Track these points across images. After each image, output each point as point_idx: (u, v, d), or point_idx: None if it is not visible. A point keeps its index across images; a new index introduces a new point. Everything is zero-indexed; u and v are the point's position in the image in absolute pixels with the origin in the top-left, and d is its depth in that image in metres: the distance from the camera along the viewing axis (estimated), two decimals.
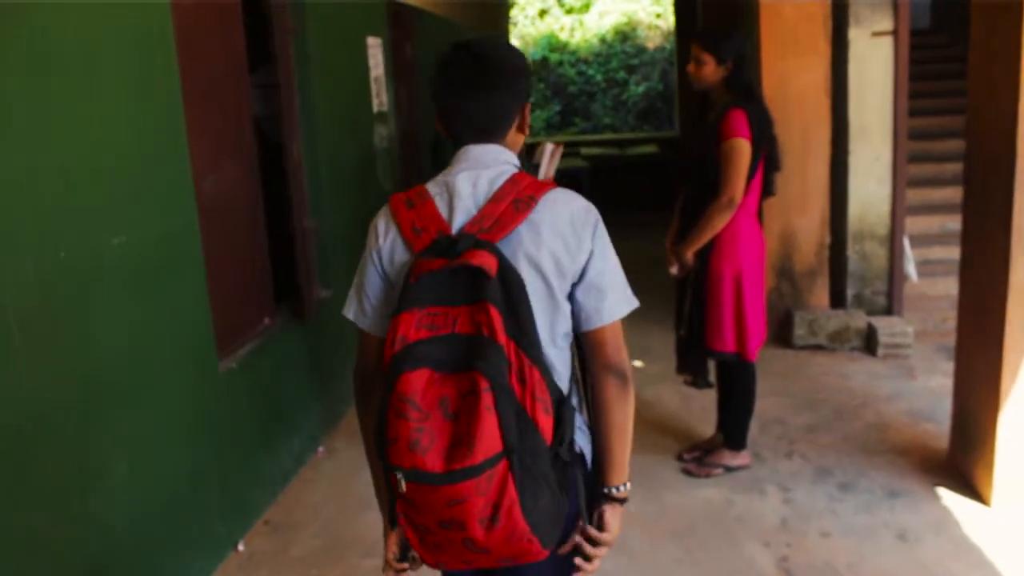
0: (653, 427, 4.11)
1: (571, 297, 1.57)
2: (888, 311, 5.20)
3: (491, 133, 1.61)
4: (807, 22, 4.92)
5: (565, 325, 1.57)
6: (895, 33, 4.82)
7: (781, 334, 5.21)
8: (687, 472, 3.61)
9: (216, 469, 3.17)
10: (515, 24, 17.04)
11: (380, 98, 5.42)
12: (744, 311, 3.36)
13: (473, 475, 1.32)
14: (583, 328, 1.58)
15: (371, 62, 5.25)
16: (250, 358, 3.49)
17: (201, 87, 3.20)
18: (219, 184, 3.35)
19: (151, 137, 2.80)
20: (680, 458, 3.73)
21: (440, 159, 3.28)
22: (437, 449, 1.35)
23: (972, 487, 3.32)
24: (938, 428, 3.88)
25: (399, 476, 1.36)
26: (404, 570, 1.65)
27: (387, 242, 1.59)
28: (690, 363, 3.56)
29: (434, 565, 1.52)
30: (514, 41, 16.73)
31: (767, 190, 3.46)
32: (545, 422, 1.42)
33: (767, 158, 3.38)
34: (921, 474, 3.49)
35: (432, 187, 1.61)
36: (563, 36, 16.84)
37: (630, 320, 1.63)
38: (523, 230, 1.51)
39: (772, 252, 5.14)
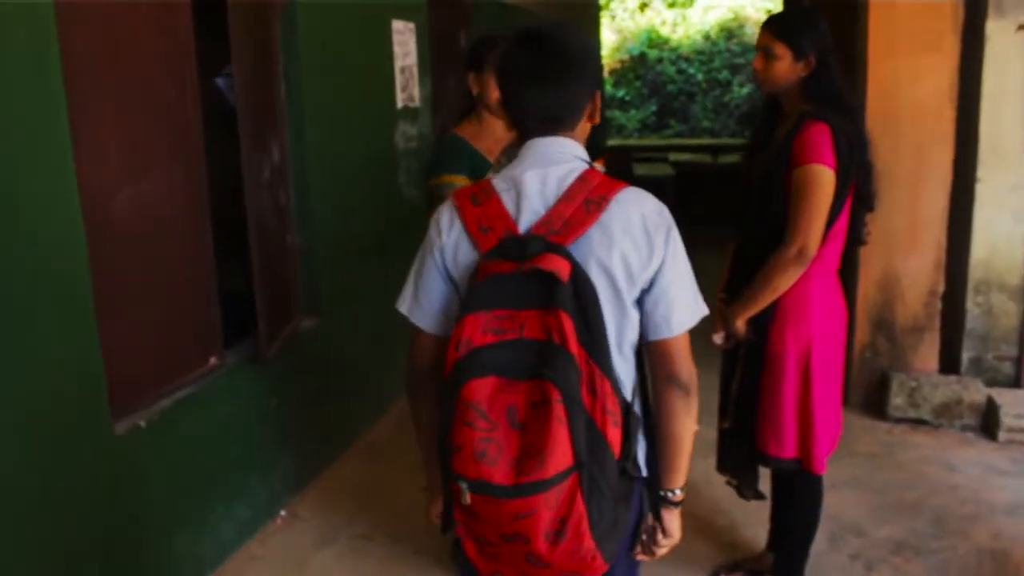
0: (690, 525, 3.19)
1: (639, 305, 1.51)
2: (1016, 383, 4.12)
3: (560, 124, 1.55)
4: (929, 12, 3.88)
5: (632, 334, 1.53)
6: None
7: (872, 401, 4.21)
8: None
9: (99, 555, 2.47)
10: (613, 17, 16.11)
11: (408, 91, 4.66)
12: (811, 405, 2.44)
13: (542, 489, 1.29)
14: (650, 337, 1.53)
15: (397, 50, 4.50)
16: (174, 411, 2.77)
17: (109, 82, 2.49)
18: (139, 196, 2.64)
19: None
20: None
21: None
22: (505, 460, 1.31)
23: None
24: None
25: (463, 486, 1.33)
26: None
27: (451, 239, 1.54)
28: (734, 464, 2.66)
29: (491, 575, 1.46)
30: (611, 35, 15.82)
31: (854, 237, 2.53)
32: (614, 435, 1.38)
33: (857, 193, 2.46)
34: None
35: (498, 183, 1.55)
36: (664, 31, 15.81)
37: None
38: (594, 233, 1.46)
39: (868, 299, 4.15)
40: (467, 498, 1.33)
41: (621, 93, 15.56)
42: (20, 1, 2.11)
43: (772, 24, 2.48)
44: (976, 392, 4.00)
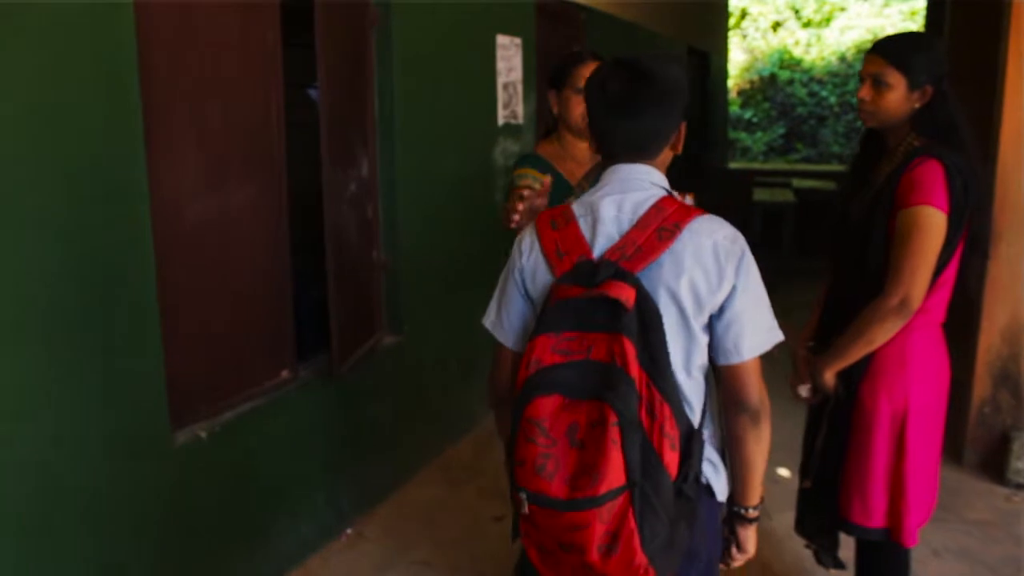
0: None
1: (709, 329, 1.55)
2: None
3: (645, 152, 1.60)
4: None
5: (702, 357, 1.56)
6: None
7: (990, 463, 3.83)
8: None
9: (153, 565, 2.46)
10: (744, 36, 15.70)
11: (511, 108, 4.58)
12: (904, 471, 2.19)
13: (594, 505, 1.34)
14: (720, 362, 1.56)
15: (500, 65, 4.43)
16: (238, 423, 2.75)
17: (188, 89, 2.50)
18: (215, 207, 2.64)
19: (55, 155, 2.10)
20: None
21: None
22: (562, 476, 1.37)
23: None
24: None
25: (523, 497, 1.40)
26: None
27: (530, 261, 1.61)
28: (814, 528, 2.42)
29: None
30: (740, 55, 15.41)
31: (964, 288, 2.26)
32: (671, 458, 1.41)
33: (969, 240, 2.20)
34: None
35: (577, 208, 1.61)
36: (797, 52, 15.31)
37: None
38: (665, 260, 1.50)
39: (991, 350, 3.78)
40: (526, 508, 1.41)
41: (748, 114, 15.15)
42: (98, 1, 2.13)
43: (884, 48, 2.22)
44: None
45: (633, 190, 1.57)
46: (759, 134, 15.03)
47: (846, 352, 2.19)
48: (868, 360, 2.19)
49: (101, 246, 2.21)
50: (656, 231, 1.51)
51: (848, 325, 2.20)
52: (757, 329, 1.54)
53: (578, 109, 2.43)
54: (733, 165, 13.06)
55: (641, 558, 1.37)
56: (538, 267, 1.59)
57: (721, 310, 1.52)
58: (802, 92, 14.86)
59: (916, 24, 13.88)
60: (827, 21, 15.20)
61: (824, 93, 14.67)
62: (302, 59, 3.47)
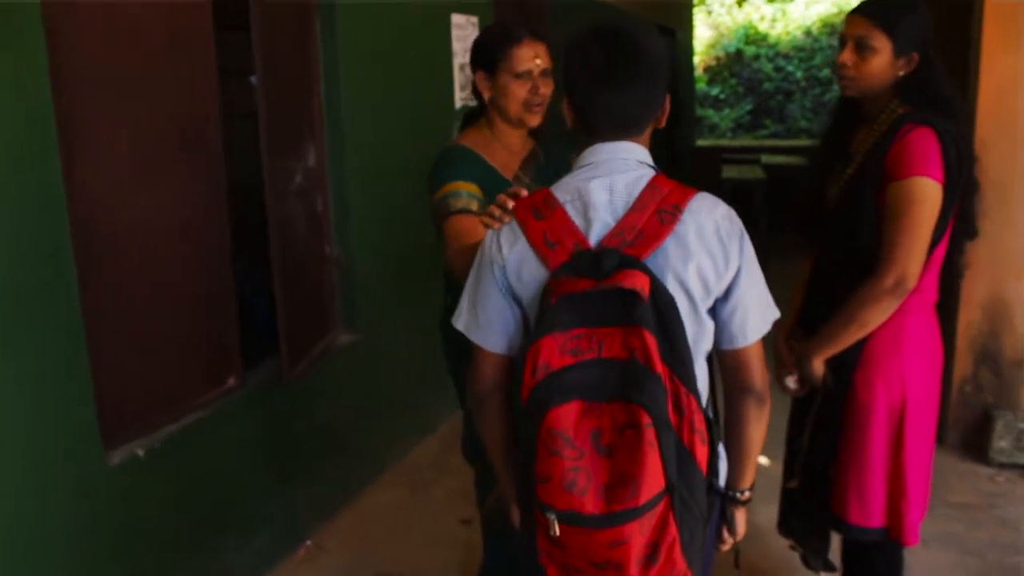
0: None
1: (712, 313, 1.47)
2: None
3: (632, 128, 1.48)
4: None
5: (707, 343, 1.49)
6: None
7: (972, 443, 3.72)
8: None
9: None
10: (709, 12, 15.54)
11: (469, 90, 4.37)
12: (904, 465, 2.04)
13: (635, 516, 1.24)
14: (724, 347, 1.49)
15: (456, 46, 4.23)
16: (181, 437, 2.56)
17: (109, 81, 2.29)
18: (145, 206, 2.43)
19: None
20: None
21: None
22: (594, 489, 1.25)
23: None
24: None
25: (551, 517, 1.27)
26: None
27: (514, 255, 1.46)
28: (802, 529, 2.27)
29: None
30: (706, 31, 15.26)
31: (953, 265, 2.10)
32: (702, 453, 1.33)
33: (960, 214, 2.04)
34: None
35: (560, 193, 1.47)
36: (762, 27, 15.16)
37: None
38: (670, 245, 1.39)
39: (971, 327, 3.67)
40: (556, 529, 1.27)
41: (715, 91, 15.00)
42: None
43: (869, 9, 2.02)
44: None
45: (621, 171, 1.46)
46: (726, 111, 14.90)
47: (837, 337, 2.03)
48: (861, 347, 2.04)
49: (14, 257, 2.00)
50: (656, 213, 1.40)
51: (835, 309, 2.03)
52: (760, 309, 1.48)
53: (519, 96, 2.07)
54: (701, 143, 12.93)
55: (682, 564, 1.29)
56: (524, 261, 1.45)
57: (727, 294, 1.45)
58: (768, 67, 14.74)
59: None
60: None
61: (790, 68, 14.56)
62: (244, 45, 3.26)
